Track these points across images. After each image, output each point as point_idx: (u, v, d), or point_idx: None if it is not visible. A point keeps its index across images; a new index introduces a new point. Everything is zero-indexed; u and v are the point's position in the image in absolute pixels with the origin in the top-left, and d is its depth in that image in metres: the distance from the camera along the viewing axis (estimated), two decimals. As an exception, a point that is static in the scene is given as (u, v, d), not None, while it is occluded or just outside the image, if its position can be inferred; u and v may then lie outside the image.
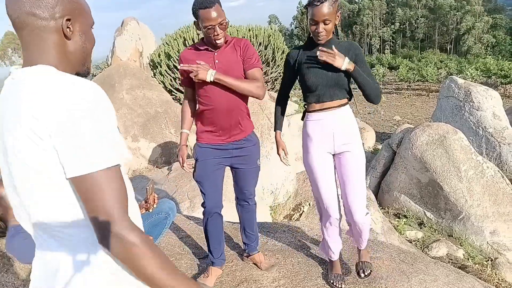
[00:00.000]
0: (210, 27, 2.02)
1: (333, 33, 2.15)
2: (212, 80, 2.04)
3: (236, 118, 2.22)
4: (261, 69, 2.23)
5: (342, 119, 2.20)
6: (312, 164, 2.26)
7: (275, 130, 2.45)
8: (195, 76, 2.04)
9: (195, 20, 2.10)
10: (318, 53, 2.06)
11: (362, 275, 2.33)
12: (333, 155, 2.29)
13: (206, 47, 2.16)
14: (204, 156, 2.28)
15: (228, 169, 2.40)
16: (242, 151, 2.31)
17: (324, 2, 1.98)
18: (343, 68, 2.04)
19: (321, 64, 2.10)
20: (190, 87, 2.26)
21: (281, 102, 2.46)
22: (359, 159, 2.24)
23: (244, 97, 2.22)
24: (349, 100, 2.25)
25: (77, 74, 1.02)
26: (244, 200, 2.49)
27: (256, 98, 2.18)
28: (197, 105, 2.32)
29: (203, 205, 2.40)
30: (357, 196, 2.23)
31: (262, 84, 2.17)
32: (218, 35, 2.05)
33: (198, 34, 11.51)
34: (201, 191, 2.36)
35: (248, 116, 2.33)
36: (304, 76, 2.19)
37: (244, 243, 2.64)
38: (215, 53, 2.15)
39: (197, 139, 2.32)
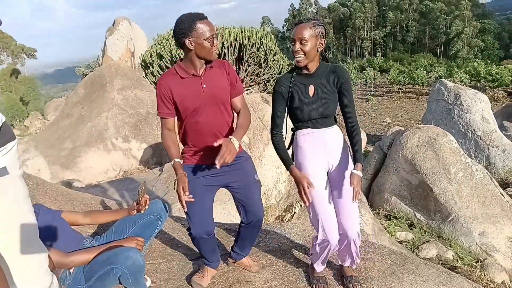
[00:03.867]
0: (213, 36, 1.95)
1: (320, 60, 2.17)
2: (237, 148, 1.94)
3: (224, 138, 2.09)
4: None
5: (333, 134, 2.21)
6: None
7: (288, 167, 2.17)
8: (229, 160, 1.85)
9: (182, 39, 1.93)
10: (309, 89, 2.13)
11: None
12: (326, 172, 2.24)
13: (191, 73, 2.03)
14: (192, 176, 2.11)
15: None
16: (233, 167, 2.16)
17: (305, 23, 2.04)
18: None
19: (312, 98, 2.13)
20: (172, 117, 2.09)
21: (280, 136, 2.23)
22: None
23: (230, 118, 2.17)
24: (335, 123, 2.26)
25: None
26: (255, 224, 2.28)
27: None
28: (180, 128, 2.18)
29: (188, 230, 2.21)
30: (351, 213, 2.20)
31: (249, 111, 2.20)
32: (215, 46, 1.98)
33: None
34: (186, 214, 2.15)
35: None
36: (296, 110, 2.16)
37: (233, 251, 2.50)
38: (202, 78, 2.04)
39: (183, 161, 2.14)
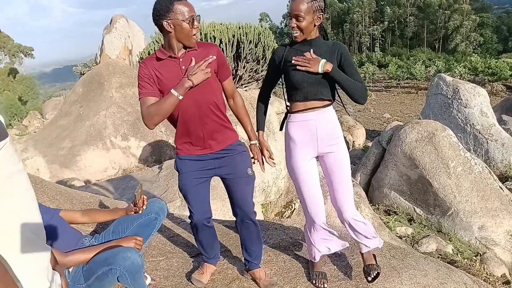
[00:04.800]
0: (192, 16, 1.86)
1: (320, 34, 2.14)
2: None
3: (210, 127, 2.06)
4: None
5: (326, 119, 2.16)
6: (296, 168, 2.22)
7: (257, 131, 2.32)
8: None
9: (159, 20, 1.86)
10: (293, 61, 2.03)
11: (369, 278, 2.26)
12: (316, 156, 2.26)
13: (169, 54, 1.95)
14: (185, 169, 2.14)
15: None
16: (224, 161, 2.13)
17: None
18: (319, 71, 2.01)
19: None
20: (153, 96, 1.95)
21: (263, 101, 2.37)
22: (344, 158, 2.22)
23: (217, 106, 2.06)
24: (333, 101, 2.22)
25: None
26: (243, 220, 2.28)
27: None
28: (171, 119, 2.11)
29: (190, 217, 2.27)
30: (345, 195, 2.23)
31: (238, 92, 2.23)
32: (195, 28, 1.88)
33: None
34: (187, 202, 2.24)
35: (229, 126, 2.16)
36: (289, 73, 2.12)
37: (244, 259, 2.44)
38: (180, 60, 1.95)
39: (176, 151, 2.17)
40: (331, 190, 2.27)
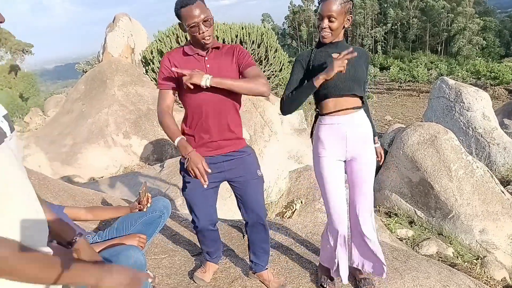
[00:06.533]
0: (193, 24, 1.85)
1: (345, 37, 2.12)
2: (208, 85, 1.81)
3: (225, 122, 2.03)
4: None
5: (356, 124, 2.10)
6: (324, 173, 2.14)
7: (311, 85, 1.99)
8: (187, 80, 1.79)
9: (180, 22, 1.94)
10: (334, 55, 1.97)
11: None
12: (344, 161, 2.19)
13: (196, 52, 1.98)
14: None
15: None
16: (234, 163, 2.10)
17: None
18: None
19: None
20: (171, 90, 2.00)
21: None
22: (371, 166, 2.16)
23: (237, 104, 2.05)
24: (363, 103, 2.16)
25: None
26: (255, 224, 2.22)
27: (261, 95, 1.97)
28: (185, 119, 2.08)
29: (193, 222, 2.23)
30: (366, 206, 2.16)
31: (265, 80, 1.94)
32: (204, 32, 1.87)
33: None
34: (190, 209, 2.18)
35: (240, 131, 2.14)
36: (318, 72, 2.00)
37: (251, 261, 2.40)
38: (206, 58, 1.97)
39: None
40: (353, 198, 2.19)
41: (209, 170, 1.84)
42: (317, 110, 2.18)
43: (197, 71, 1.84)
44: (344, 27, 2.04)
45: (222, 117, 2.01)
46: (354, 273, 2.40)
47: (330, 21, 1.97)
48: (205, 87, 1.82)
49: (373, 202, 2.21)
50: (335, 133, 2.10)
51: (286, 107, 2.11)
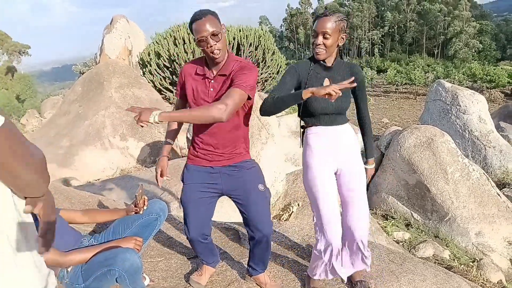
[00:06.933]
0: (200, 39, 1.85)
1: (339, 54, 2.14)
2: (157, 121, 1.70)
3: (233, 137, 2.05)
4: (244, 92, 1.87)
5: (343, 132, 2.15)
6: (315, 182, 2.11)
7: (300, 94, 1.84)
8: (137, 120, 1.71)
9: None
10: (325, 82, 2.05)
11: None
12: (335, 173, 2.19)
13: (204, 73, 1.99)
14: (191, 179, 2.11)
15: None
16: (232, 177, 2.07)
17: (329, 16, 1.98)
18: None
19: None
20: (183, 99, 2.13)
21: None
22: (361, 176, 2.19)
23: (239, 121, 2.04)
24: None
25: None
26: (258, 242, 2.16)
27: (214, 122, 1.85)
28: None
29: (185, 232, 2.22)
30: (361, 214, 2.17)
31: (227, 106, 1.78)
32: (211, 46, 1.86)
33: (188, 34, 11.45)
34: (184, 219, 2.18)
35: (247, 147, 2.14)
36: (310, 100, 2.02)
37: (249, 265, 2.38)
38: (212, 81, 1.98)
39: (187, 160, 2.17)
40: (346, 209, 2.19)
41: (164, 177, 2.21)
42: (302, 126, 2.24)
43: (147, 108, 1.74)
44: (338, 45, 2.07)
45: (224, 135, 2.04)
46: (350, 278, 2.41)
47: (324, 38, 1.99)
48: (153, 123, 1.73)
49: (368, 211, 2.23)
50: (325, 139, 2.13)
51: (268, 108, 1.99)
